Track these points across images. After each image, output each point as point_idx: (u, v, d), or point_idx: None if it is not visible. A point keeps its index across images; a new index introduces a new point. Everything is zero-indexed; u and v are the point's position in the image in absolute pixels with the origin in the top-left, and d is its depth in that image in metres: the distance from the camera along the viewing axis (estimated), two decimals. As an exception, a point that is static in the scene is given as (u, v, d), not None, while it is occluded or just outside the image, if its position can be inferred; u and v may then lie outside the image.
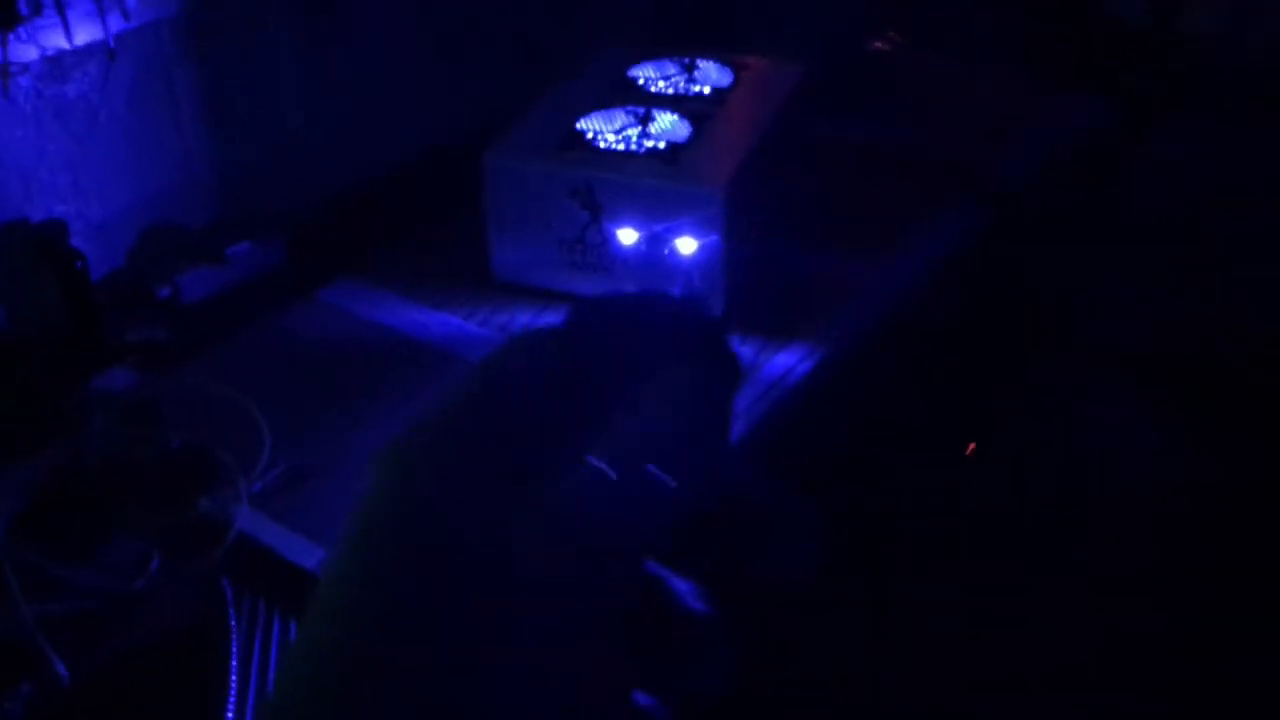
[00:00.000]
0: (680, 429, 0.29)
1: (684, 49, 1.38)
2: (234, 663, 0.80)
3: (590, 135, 1.19)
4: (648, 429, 0.28)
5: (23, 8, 1.04)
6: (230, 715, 0.77)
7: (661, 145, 1.17)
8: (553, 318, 1.18)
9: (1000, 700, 1.40)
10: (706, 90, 1.29)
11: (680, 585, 0.30)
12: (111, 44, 1.13)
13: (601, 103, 1.24)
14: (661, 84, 1.31)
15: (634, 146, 1.17)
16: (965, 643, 1.44)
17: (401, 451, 0.29)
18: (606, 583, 0.28)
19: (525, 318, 1.19)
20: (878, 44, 1.76)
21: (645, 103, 1.24)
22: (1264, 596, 1.54)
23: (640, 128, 1.19)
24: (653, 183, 1.12)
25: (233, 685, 0.78)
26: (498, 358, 0.30)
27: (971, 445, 1.51)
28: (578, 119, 1.21)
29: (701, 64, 1.34)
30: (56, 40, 1.09)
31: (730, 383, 0.31)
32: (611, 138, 1.18)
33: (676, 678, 0.29)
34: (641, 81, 1.31)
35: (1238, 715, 1.43)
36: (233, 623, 0.82)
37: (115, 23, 1.12)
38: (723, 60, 1.35)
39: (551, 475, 0.27)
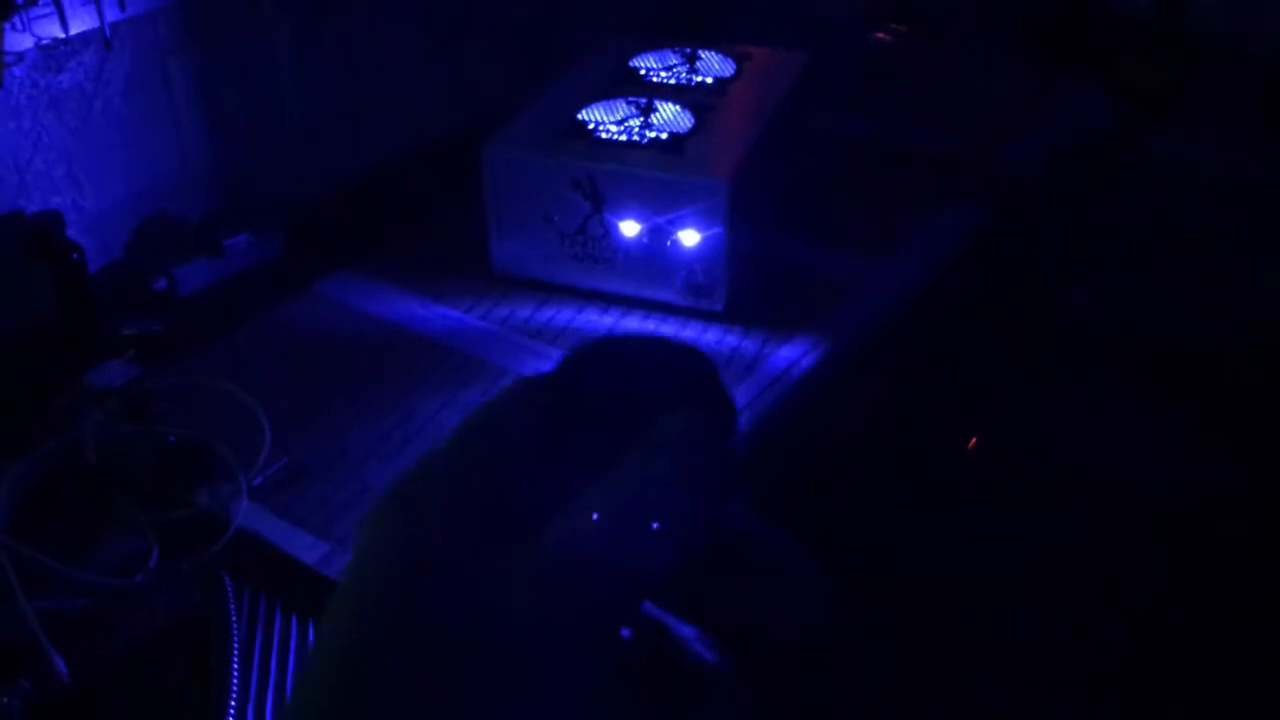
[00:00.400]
0: (678, 475, 0.28)
1: (685, 39, 1.37)
2: (235, 658, 0.79)
3: (592, 126, 1.18)
4: (645, 475, 0.28)
5: (17, -4, 1.03)
6: (232, 711, 0.76)
7: (664, 136, 1.16)
8: (552, 311, 1.17)
9: (999, 699, 1.40)
10: (709, 80, 1.29)
11: (685, 631, 0.30)
12: (108, 34, 1.12)
13: (602, 93, 1.23)
14: (663, 74, 1.30)
15: (636, 137, 1.16)
16: (964, 641, 1.44)
17: (398, 497, 0.28)
18: (607, 631, 0.27)
19: (525, 311, 1.18)
20: (879, 36, 1.75)
21: (647, 93, 1.24)
22: (1264, 596, 1.53)
23: (642, 118, 1.18)
24: (656, 174, 1.11)
25: (234, 681, 0.77)
26: (495, 402, 0.30)
27: (973, 440, 1.51)
28: (579, 110, 1.20)
29: (703, 54, 1.33)
30: (52, 29, 1.08)
31: (728, 427, 0.31)
32: (613, 129, 1.17)
33: None
34: (643, 72, 1.30)
35: (1238, 715, 1.43)
36: (234, 618, 0.82)
37: (111, 12, 1.11)
38: (724, 50, 1.34)
39: (547, 522, 0.27)
